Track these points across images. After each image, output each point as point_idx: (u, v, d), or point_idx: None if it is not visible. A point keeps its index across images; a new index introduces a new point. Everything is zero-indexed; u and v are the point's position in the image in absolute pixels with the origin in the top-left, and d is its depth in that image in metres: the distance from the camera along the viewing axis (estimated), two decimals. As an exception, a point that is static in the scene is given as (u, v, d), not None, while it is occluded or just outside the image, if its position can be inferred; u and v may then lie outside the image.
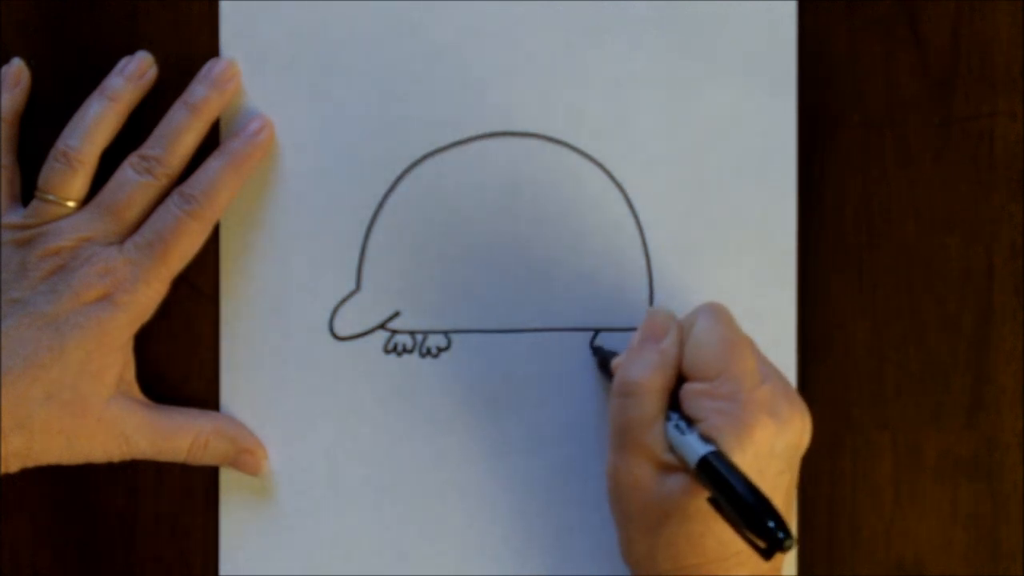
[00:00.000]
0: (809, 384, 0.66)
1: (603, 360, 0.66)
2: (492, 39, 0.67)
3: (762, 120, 0.66)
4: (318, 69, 0.67)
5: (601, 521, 0.67)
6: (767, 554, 0.54)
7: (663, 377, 0.61)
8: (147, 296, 0.64)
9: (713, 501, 0.57)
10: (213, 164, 0.65)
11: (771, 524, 0.54)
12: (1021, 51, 0.67)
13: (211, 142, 0.66)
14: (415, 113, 0.67)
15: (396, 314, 0.67)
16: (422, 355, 0.67)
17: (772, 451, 0.59)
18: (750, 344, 0.61)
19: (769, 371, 0.61)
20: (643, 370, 0.61)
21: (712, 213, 0.67)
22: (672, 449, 0.60)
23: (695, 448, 0.58)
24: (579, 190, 0.67)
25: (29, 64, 0.67)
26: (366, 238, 0.67)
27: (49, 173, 0.64)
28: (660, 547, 0.60)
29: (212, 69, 0.66)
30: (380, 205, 0.67)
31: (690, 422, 0.59)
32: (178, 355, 0.67)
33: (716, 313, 0.61)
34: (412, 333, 0.67)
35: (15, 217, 0.64)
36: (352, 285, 0.67)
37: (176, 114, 0.65)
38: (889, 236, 0.67)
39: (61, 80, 0.67)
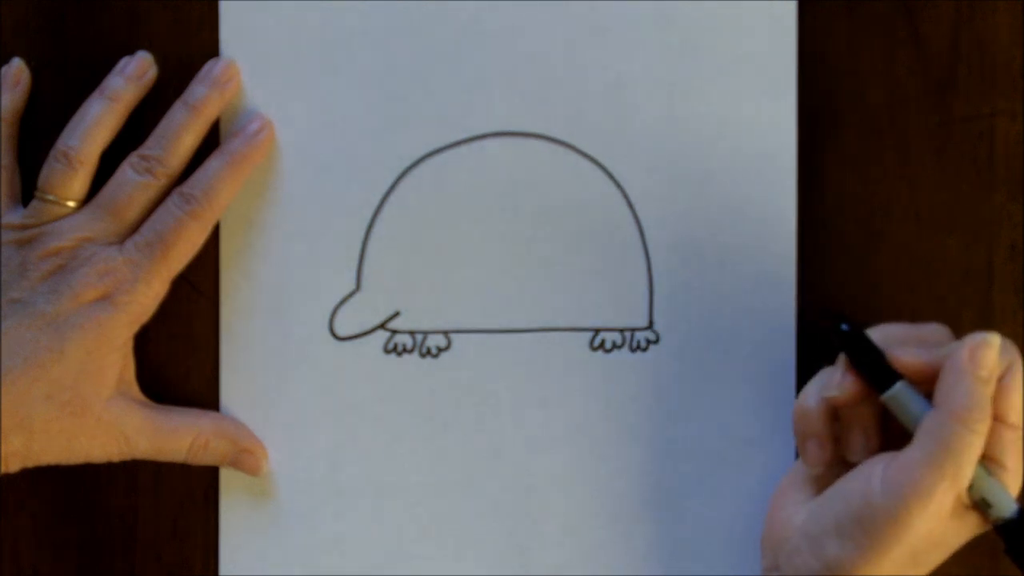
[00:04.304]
0: (809, 384, 0.66)
1: (860, 345, 0.61)
2: (492, 39, 0.67)
3: (762, 120, 0.66)
4: (318, 69, 0.67)
5: (601, 521, 0.67)
6: None
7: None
8: (147, 296, 0.64)
9: (1012, 553, 0.58)
10: (213, 164, 0.65)
11: None
12: (1021, 51, 0.67)
13: (211, 142, 0.66)
14: (415, 113, 0.67)
15: (396, 314, 0.67)
16: (422, 355, 0.67)
17: None
18: None
19: None
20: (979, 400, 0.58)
21: (712, 213, 0.67)
22: (973, 487, 0.58)
23: (1006, 501, 0.58)
24: (579, 190, 0.67)
25: (29, 64, 0.67)
26: (366, 238, 0.67)
27: (49, 173, 0.64)
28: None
29: (212, 69, 0.66)
30: (380, 205, 0.67)
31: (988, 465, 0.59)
32: (178, 355, 0.67)
33: None
34: (412, 333, 0.67)
35: (15, 217, 0.64)
36: (352, 285, 0.67)
37: (176, 114, 0.65)
38: (889, 236, 0.67)
39: (61, 80, 0.67)
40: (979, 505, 0.59)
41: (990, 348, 0.58)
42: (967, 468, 0.58)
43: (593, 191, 0.67)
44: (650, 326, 0.67)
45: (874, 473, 0.59)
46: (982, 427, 0.58)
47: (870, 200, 0.67)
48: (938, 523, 0.58)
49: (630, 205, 0.67)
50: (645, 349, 0.67)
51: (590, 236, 0.67)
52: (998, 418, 0.59)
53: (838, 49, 0.67)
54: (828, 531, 0.59)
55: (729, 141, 0.67)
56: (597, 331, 0.67)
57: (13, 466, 0.63)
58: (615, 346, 0.67)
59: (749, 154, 0.66)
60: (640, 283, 0.67)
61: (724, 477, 0.67)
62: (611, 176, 0.67)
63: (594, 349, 0.67)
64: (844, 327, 0.61)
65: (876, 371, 0.60)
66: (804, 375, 0.66)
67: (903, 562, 0.59)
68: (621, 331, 0.67)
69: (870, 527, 0.58)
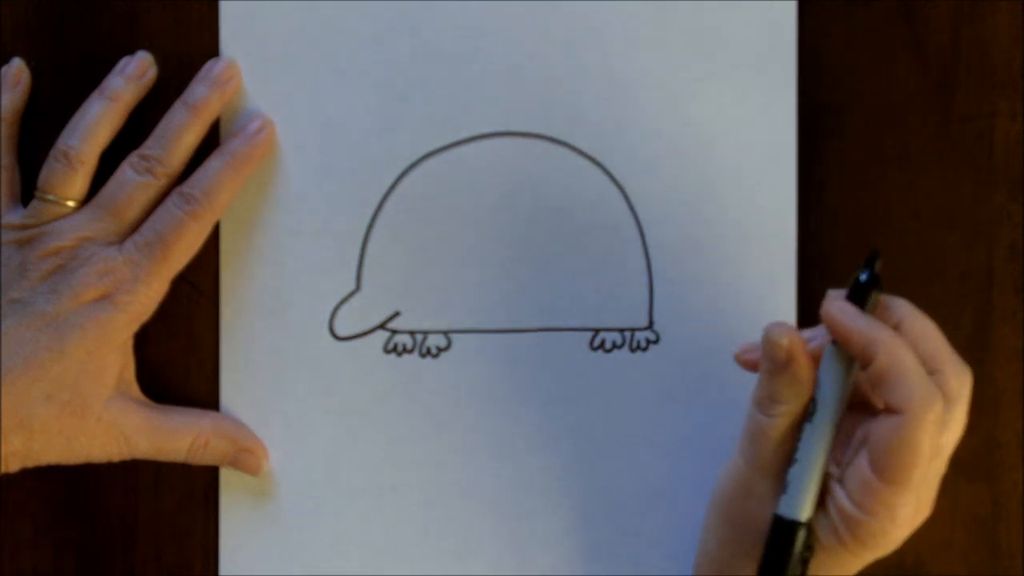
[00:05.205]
0: (809, 384, 0.66)
1: (859, 298, 0.59)
2: (492, 39, 0.67)
3: (762, 120, 0.66)
4: (318, 69, 0.67)
5: (601, 521, 0.67)
6: None
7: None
8: (147, 296, 0.64)
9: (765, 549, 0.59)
10: (213, 164, 0.65)
11: None
12: (1021, 51, 0.67)
13: (211, 142, 0.66)
14: (415, 113, 0.67)
15: (396, 314, 0.67)
16: (422, 355, 0.67)
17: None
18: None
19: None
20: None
21: (712, 213, 0.67)
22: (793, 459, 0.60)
23: (784, 501, 0.59)
24: (579, 190, 0.67)
25: (29, 64, 0.67)
26: (366, 238, 0.67)
27: (49, 173, 0.64)
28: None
29: (212, 69, 0.66)
30: (380, 205, 0.67)
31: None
32: (178, 355, 0.67)
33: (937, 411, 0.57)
34: (412, 333, 0.67)
35: (15, 217, 0.64)
36: (352, 285, 0.67)
37: (176, 114, 0.65)
38: (889, 236, 0.67)
39: (61, 80, 0.67)
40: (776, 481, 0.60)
41: (754, 348, 0.60)
42: (764, 451, 0.60)
43: (593, 191, 0.67)
44: (650, 326, 0.67)
45: None
46: (776, 411, 0.59)
47: (870, 200, 0.67)
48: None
49: (630, 205, 0.67)
50: (645, 349, 0.67)
51: (590, 236, 0.67)
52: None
53: (838, 49, 0.67)
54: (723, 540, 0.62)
55: (729, 141, 0.67)
56: (597, 331, 0.67)
57: (13, 466, 0.63)
58: (615, 346, 0.67)
59: (749, 154, 0.67)
60: (640, 283, 0.67)
61: (724, 477, 0.67)
62: (611, 176, 0.67)
63: (594, 349, 0.67)
64: (862, 277, 0.59)
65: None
66: (804, 375, 0.66)
67: None
68: (621, 331, 0.67)
69: (729, 512, 0.62)
